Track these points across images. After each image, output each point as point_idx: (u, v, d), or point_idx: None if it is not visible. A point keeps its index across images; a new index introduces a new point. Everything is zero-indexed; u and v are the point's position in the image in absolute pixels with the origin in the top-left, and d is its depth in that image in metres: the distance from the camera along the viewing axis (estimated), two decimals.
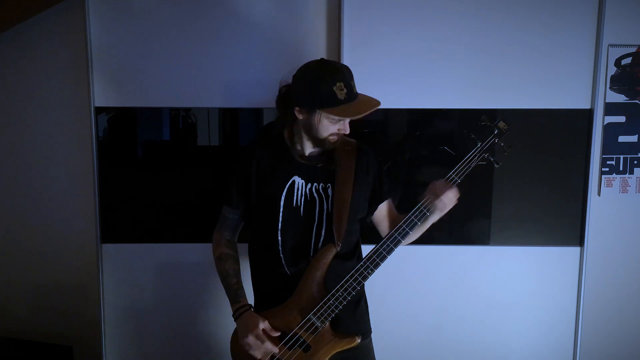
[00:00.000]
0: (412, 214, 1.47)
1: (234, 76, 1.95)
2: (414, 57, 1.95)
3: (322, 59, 1.50)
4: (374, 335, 1.68)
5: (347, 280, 1.47)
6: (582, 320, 2.08)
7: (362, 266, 1.47)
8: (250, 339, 1.48)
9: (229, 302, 1.58)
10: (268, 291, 1.60)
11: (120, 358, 2.12)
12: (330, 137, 1.49)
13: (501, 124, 1.48)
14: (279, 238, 1.53)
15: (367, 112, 1.42)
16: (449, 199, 1.46)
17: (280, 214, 1.53)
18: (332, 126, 1.46)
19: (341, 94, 1.40)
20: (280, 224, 1.53)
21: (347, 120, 1.48)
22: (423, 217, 1.48)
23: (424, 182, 2.02)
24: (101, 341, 2.08)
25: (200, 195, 2.02)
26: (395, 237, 1.47)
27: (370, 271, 1.47)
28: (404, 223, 1.47)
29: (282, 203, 1.53)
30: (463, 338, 2.10)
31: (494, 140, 1.47)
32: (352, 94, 1.43)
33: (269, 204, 1.54)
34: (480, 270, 2.07)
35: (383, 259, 1.47)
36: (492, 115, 1.98)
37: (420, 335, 2.10)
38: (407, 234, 1.48)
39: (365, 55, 1.94)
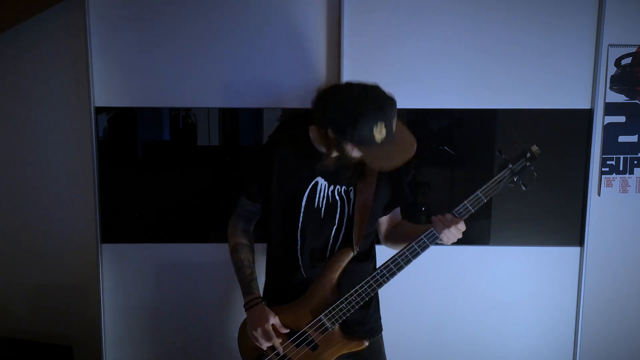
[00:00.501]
0: (425, 235, 1.46)
1: (234, 76, 1.95)
2: (414, 57, 1.95)
3: (367, 87, 1.39)
4: None
5: (362, 286, 1.47)
6: (582, 320, 2.08)
7: (378, 273, 1.47)
8: (259, 332, 1.49)
9: (229, 299, 1.59)
10: (280, 289, 1.60)
11: (120, 358, 2.12)
12: (355, 158, 1.42)
13: (534, 148, 1.45)
14: (298, 238, 1.53)
15: (397, 164, 1.36)
16: (457, 231, 1.43)
17: (301, 215, 1.51)
18: (359, 153, 1.40)
19: (379, 137, 1.33)
20: (300, 225, 1.52)
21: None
22: (430, 242, 1.46)
23: (424, 182, 2.04)
24: (101, 341, 2.08)
25: (200, 195, 2.02)
26: (415, 249, 1.47)
27: (385, 279, 1.47)
28: (424, 235, 1.46)
29: (303, 203, 1.51)
30: (463, 338, 2.10)
31: (526, 164, 1.44)
32: (390, 134, 1.35)
33: (290, 203, 1.52)
34: (480, 270, 2.07)
35: (400, 268, 1.46)
36: (492, 115, 1.98)
37: (420, 335, 2.10)
38: (427, 246, 1.46)
39: (365, 55, 1.94)
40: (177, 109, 2.00)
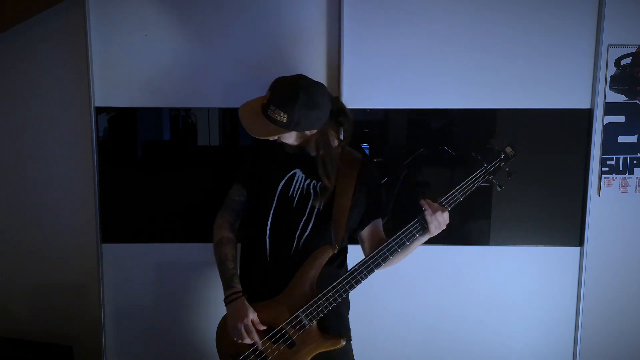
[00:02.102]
0: (411, 225, 1.49)
1: (234, 76, 1.95)
2: (414, 57, 1.95)
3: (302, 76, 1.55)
4: (372, 333, 1.69)
5: (340, 283, 1.49)
6: (582, 320, 2.08)
7: (356, 270, 1.49)
8: (239, 327, 1.50)
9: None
10: (247, 277, 1.62)
11: (120, 358, 2.12)
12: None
13: (508, 149, 1.50)
14: (269, 222, 1.57)
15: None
16: (443, 220, 1.47)
17: (275, 200, 1.57)
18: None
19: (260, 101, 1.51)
20: (272, 210, 1.57)
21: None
22: (417, 232, 1.49)
23: (424, 182, 2.04)
24: (101, 341, 2.08)
25: (200, 195, 2.02)
26: (393, 246, 1.49)
27: (363, 276, 1.49)
28: (403, 233, 1.49)
29: (279, 189, 1.57)
30: (463, 338, 2.10)
31: (500, 164, 1.50)
32: (264, 110, 1.49)
33: (267, 188, 1.59)
34: (480, 270, 2.07)
35: (377, 265, 1.48)
36: (492, 115, 1.98)
37: (420, 335, 2.10)
38: (404, 244, 1.49)
39: (365, 55, 1.94)
40: (177, 109, 2.00)
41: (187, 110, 2.00)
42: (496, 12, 1.93)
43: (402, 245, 1.49)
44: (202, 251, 2.03)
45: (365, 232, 1.64)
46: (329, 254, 1.53)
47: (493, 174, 1.50)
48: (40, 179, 2.04)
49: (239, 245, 1.69)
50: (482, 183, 1.50)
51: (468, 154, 2.02)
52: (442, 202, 1.49)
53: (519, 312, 2.09)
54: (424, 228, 1.48)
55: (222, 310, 1.60)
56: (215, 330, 1.65)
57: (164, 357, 2.11)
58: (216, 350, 1.64)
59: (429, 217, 1.45)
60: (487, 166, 1.50)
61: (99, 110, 1.98)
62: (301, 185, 1.58)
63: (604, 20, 1.93)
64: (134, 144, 2.03)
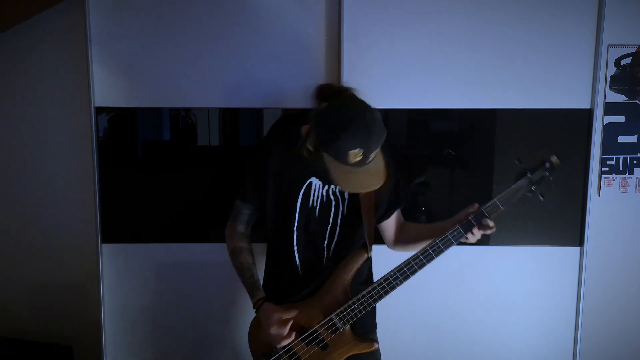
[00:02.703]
0: (449, 234, 1.47)
1: (234, 76, 1.95)
2: (414, 57, 1.95)
3: (367, 109, 1.36)
4: None
5: (375, 288, 1.48)
6: (582, 320, 2.08)
7: (391, 276, 1.48)
8: (274, 331, 1.49)
9: (230, 299, 1.59)
10: (278, 288, 1.61)
11: (120, 358, 2.11)
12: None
13: (554, 159, 1.45)
14: (295, 238, 1.54)
15: (352, 191, 1.40)
16: (480, 235, 1.46)
17: (297, 214, 1.53)
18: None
19: (353, 160, 1.32)
20: (296, 224, 1.54)
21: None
22: (454, 240, 1.47)
23: (424, 182, 2.04)
24: (101, 341, 2.08)
25: (200, 195, 2.02)
26: (430, 253, 1.48)
27: (399, 282, 1.47)
28: (440, 240, 1.47)
29: (299, 203, 1.53)
30: (463, 338, 2.10)
31: (544, 174, 1.44)
32: (364, 162, 1.34)
33: (286, 203, 1.54)
34: (480, 270, 2.07)
35: (414, 272, 1.47)
36: (492, 115, 1.98)
37: (420, 335, 2.10)
38: (441, 251, 1.47)
39: (365, 56, 1.94)
40: (177, 109, 2.00)
41: (187, 110, 2.00)
42: (496, 12, 1.93)
43: (438, 252, 1.47)
44: (203, 251, 2.03)
45: (388, 222, 1.63)
46: (363, 257, 1.52)
47: (537, 184, 1.44)
48: (40, 179, 2.03)
49: (261, 247, 1.67)
50: (525, 193, 1.44)
51: (469, 154, 2.02)
52: (487, 211, 1.45)
53: (519, 312, 2.09)
54: (462, 237, 1.46)
55: (221, 310, 1.62)
56: (214, 329, 1.65)
57: (164, 357, 2.11)
58: (249, 349, 1.64)
59: (474, 233, 1.44)
60: (530, 176, 1.44)
61: (99, 110, 1.98)
62: (320, 194, 1.54)
63: (604, 20, 1.93)
64: (134, 144, 2.03)
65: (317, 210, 1.54)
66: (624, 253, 2.08)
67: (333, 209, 1.54)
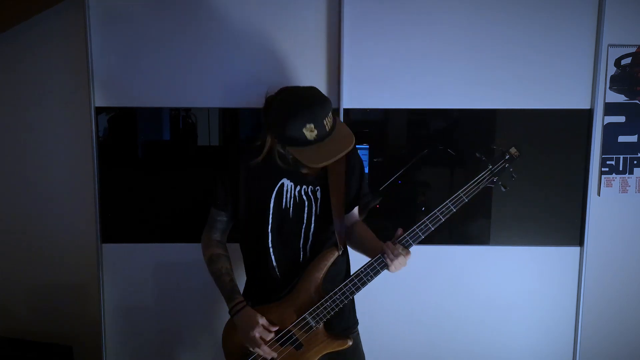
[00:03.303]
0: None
1: (234, 76, 1.95)
2: (414, 57, 1.95)
3: (296, 90, 1.46)
4: (373, 333, 1.68)
5: (346, 285, 1.48)
6: (582, 320, 2.08)
7: (362, 272, 1.48)
8: (254, 335, 1.49)
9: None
10: (258, 288, 1.61)
11: (120, 358, 2.11)
12: (304, 170, 1.50)
13: (513, 150, 1.50)
14: (269, 240, 1.55)
15: (331, 161, 1.39)
16: (400, 264, 1.45)
17: (270, 216, 1.54)
18: (307, 159, 1.42)
19: (311, 135, 1.36)
20: (270, 226, 1.55)
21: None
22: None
23: (423, 182, 2.04)
24: (101, 341, 2.08)
25: (200, 195, 2.02)
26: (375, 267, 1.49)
27: (370, 278, 1.48)
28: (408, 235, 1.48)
29: (271, 205, 1.54)
30: (463, 338, 2.10)
31: (505, 165, 1.50)
32: (323, 133, 1.38)
33: (258, 206, 1.55)
34: (480, 270, 2.07)
35: (384, 266, 1.47)
36: (492, 115, 1.98)
37: (420, 335, 2.10)
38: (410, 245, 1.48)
39: (365, 56, 1.94)
40: (177, 109, 2.00)
41: (187, 110, 2.00)
42: (496, 12, 1.93)
43: (408, 245, 1.47)
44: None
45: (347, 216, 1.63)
46: (334, 255, 1.52)
47: (498, 175, 1.50)
48: (41, 179, 2.04)
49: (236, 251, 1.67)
50: (487, 184, 1.50)
51: (469, 154, 2.02)
52: (404, 240, 1.46)
53: (519, 312, 2.09)
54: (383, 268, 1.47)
55: (221, 310, 1.61)
56: (214, 329, 1.65)
57: (164, 357, 2.11)
58: (223, 352, 1.63)
59: (388, 262, 1.45)
60: (492, 167, 1.49)
61: (99, 110, 1.98)
62: (292, 194, 1.55)
63: (604, 20, 1.93)
64: (134, 144, 2.03)
65: (291, 211, 1.55)
66: (624, 253, 2.08)
67: (306, 209, 1.55)
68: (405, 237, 1.47)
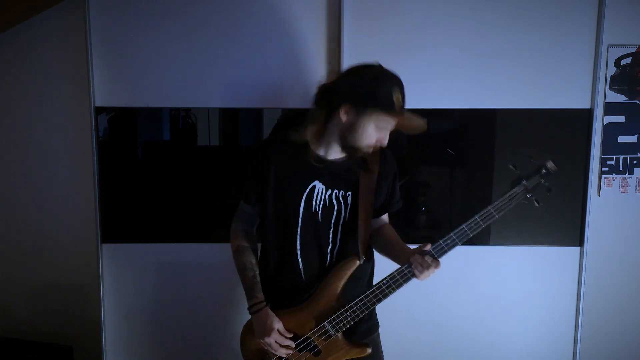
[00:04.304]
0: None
1: (234, 76, 1.95)
2: (414, 58, 1.95)
3: (380, 65, 1.44)
4: None
5: (367, 296, 1.45)
6: (582, 320, 2.08)
7: (384, 284, 1.44)
8: (269, 339, 1.47)
9: (229, 299, 1.58)
10: (280, 293, 1.57)
11: (120, 358, 2.12)
12: (367, 148, 1.44)
13: (550, 165, 1.41)
14: (298, 243, 1.51)
15: (413, 124, 1.42)
16: (429, 274, 1.42)
17: (300, 219, 1.50)
18: (374, 134, 1.42)
19: (397, 101, 1.37)
20: (299, 229, 1.51)
21: (389, 131, 1.44)
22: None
23: (424, 182, 2.04)
24: (101, 341, 2.08)
25: (200, 195, 2.02)
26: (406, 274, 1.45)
27: (392, 290, 1.44)
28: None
29: (301, 208, 1.50)
30: (463, 338, 2.10)
31: (540, 180, 1.40)
32: (404, 106, 1.41)
33: (288, 208, 1.51)
34: (480, 270, 2.07)
35: (407, 280, 1.44)
36: (492, 115, 1.98)
37: (420, 334, 2.10)
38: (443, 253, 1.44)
39: (365, 56, 1.92)
40: (177, 109, 2.00)
41: (187, 110, 2.00)
42: (496, 12, 1.93)
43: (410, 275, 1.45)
44: (202, 251, 2.03)
45: (375, 220, 1.61)
46: (354, 264, 1.49)
47: (533, 192, 1.40)
48: (41, 179, 2.03)
49: (262, 248, 1.64)
50: (520, 200, 1.41)
51: (469, 154, 2.02)
52: (434, 250, 1.41)
53: (519, 312, 2.09)
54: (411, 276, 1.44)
55: (221, 310, 1.61)
56: (214, 329, 1.64)
57: (164, 357, 2.11)
58: (240, 353, 1.62)
59: (417, 273, 1.42)
60: (526, 183, 1.40)
61: (99, 110, 1.98)
62: (323, 198, 1.50)
63: (604, 20, 1.93)
64: (134, 144, 2.03)
65: (320, 214, 1.51)
66: (624, 253, 2.08)
67: (335, 213, 1.51)
68: (430, 252, 1.41)
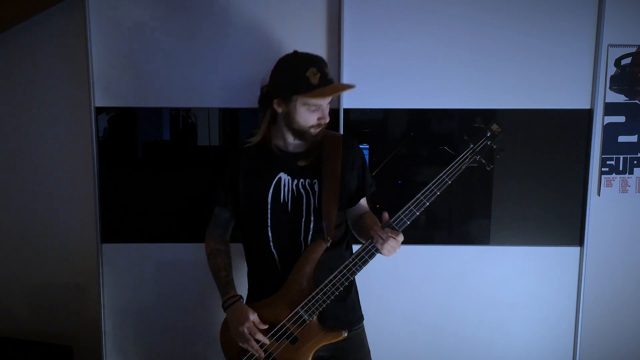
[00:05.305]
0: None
1: (234, 76, 1.96)
2: (414, 58, 1.95)
3: (295, 51, 1.53)
4: (374, 332, 1.68)
5: (336, 276, 1.48)
6: (582, 320, 2.08)
7: (350, 262, 1.47)
8: (242, 330, 1.49)
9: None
10: (261, 285, 1.62)
11: (120, 358, 2.12)
12: (312, 129, 1.51)
13: (494, 127, 1.47)
14: (269, 234, 1.56)
15: (341, 92, 1.50)
16: (396, 244, 1.44)
17: (269, 211, 1.56)
18: (311, 115, 1.49)
19: (315, 79, 1.43)
20: (269, 221, 1.56)
21: (326, 108, 1.51)
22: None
23: (423, 182, 2.04)
24: (101, 341, 2.08)
25: (200, 195, 2.02)
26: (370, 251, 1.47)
27: (358, 267, 1.47)
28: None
29: (269, 200, 1.56)
30: (463, 338, 2.10)
31: (487, 142, 1.46)
32: (326, 80, 1.46)
33: (257, 202, 1.57)
34: (480, 270, 2.07)
35: (372, 255, 1.46)
36: (491, 115, 1.98)
37: (420, 335, 2.10)
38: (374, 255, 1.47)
39: (365, 56, 1.94)
40: (177, 109, 2.00)
41: (187, 110, 2.00)
42: (496, 12, 1.93)
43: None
44: (202, 251, 2.03)
45: (354, 208, 1.66)
46: (322, 247, 1.52)
47: (480, 154, 1.46)
48: (41, 179, 2.04)
49: (238, 249, 1.68)
50: (470, 164, 1.46)
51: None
52: (394, 222, 1.44)
53: (519, 312, 2.09)
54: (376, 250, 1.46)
55: (221, 310, 1.60)
56: (214, 329, 1.65)
57: (164, 357, 2.11)
58: (222, 351, 1.63)
59: (380, 247, 1.44)
60: (473, 146, 1.46)
61: (99, 110, 1.98)
62: (290, 188, 1.57)
63: (604, 20, 1.93)
64: (134, 144, 2.03)
65: (289, 204, 1.56)
66: (624, 253, 2.08)
67: (305, 202, 1.56)
68: (390, 224, 1.45)
